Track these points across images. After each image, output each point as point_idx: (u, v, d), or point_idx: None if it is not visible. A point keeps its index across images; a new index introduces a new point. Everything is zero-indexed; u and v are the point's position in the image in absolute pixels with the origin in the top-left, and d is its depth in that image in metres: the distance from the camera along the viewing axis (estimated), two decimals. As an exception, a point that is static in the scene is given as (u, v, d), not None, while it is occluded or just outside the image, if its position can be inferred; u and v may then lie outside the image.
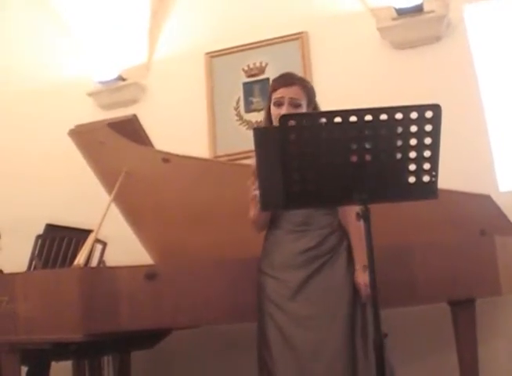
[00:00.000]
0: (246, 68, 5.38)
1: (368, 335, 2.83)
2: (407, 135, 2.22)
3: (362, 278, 2.87)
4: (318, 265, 2.94)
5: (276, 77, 3.15)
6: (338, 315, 2.88)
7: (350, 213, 2.86)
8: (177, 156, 3.90)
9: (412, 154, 2.24)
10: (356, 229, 2.88)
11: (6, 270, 4.21)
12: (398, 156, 2.25)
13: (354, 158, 2.26)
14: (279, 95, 3.02)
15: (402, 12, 4.88)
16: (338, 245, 3.00)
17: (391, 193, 2.34)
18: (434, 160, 2.25)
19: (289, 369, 2.84)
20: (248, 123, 5.28)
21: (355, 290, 2.93)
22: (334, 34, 5.14)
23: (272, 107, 3.04)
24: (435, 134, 2.22)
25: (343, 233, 3.05)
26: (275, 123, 2.99)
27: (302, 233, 2.99)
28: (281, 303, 2.93)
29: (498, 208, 3.77)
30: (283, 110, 2.96)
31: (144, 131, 4.00)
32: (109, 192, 4.00)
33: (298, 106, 3.00)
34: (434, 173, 2.26)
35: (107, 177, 4.06)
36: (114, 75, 5.63)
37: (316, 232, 2.99)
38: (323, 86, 4.78)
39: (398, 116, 2.20)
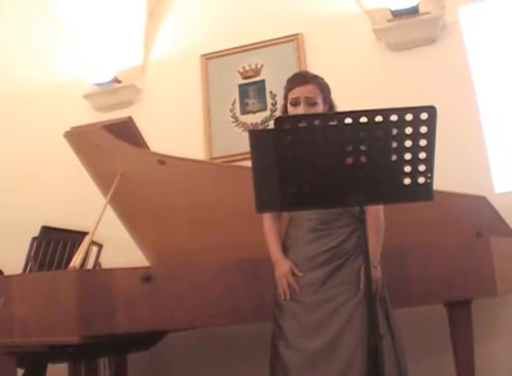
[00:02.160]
0: (241, 70, 5.38)
1: (392, 329, 2.93)
2: (402, 136, 2.22)
3: (372, 272, 2.87)
4: (339, 262, 2.93)
5: (291, 77, 3.16)
6: (357, 311, 2.88)
7: (370, 207, 2.90)
8: (172, 158, 3.89)
9: (408, 156, 2.25)
10: (374, 224, 2.92)
11: (5, 272, 4.21)
12: (394, 158, 2.26)
13: (349, 160, 2.26)
14: (294, 95, 3.04)
15: (397, 14, 4.89)
16: (360, 244, 3.00)
17: (387, 194, 2.35)
18: (429, 161, 2.25)
19: (304, 363, 2.85)
20: (244, 125, 5.27)
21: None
22: (330, 36, 5.15)
23: (289, 107, 3.06)
24: (430, 135, 2.22)
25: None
26: None
27: (324, 231, 2.99)
28: (301, 298, 2.94)
29: (494, 210, 3.78)
30: (300, 110, 2.99)
31: (140, 133, 4.00)
32: (105, 194, 3.99)
33: (314, 104, 3.01)
34: (429, 175, 2.26)
35: (103, 179, 4.05)
36: (110, 77, 5.63)
37: (339, 230, 2.98)
38: (319, 88, 4.80)
39: (394, 118, 2.21)
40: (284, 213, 3.14)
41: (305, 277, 2.96)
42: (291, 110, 3.04)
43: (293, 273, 2.98)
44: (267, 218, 3.14)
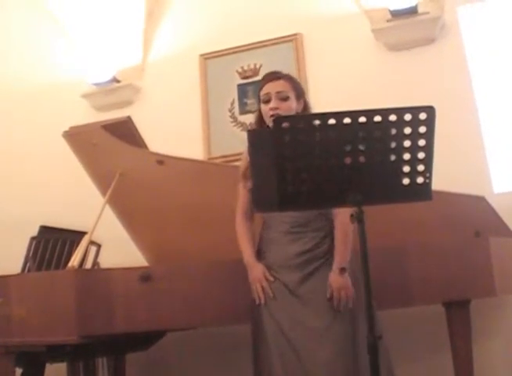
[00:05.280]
0: (240, 70, 5.38)
1: (357, 341, 2.82)
2: (401, 136, 2.22)
3: (336, 281, 2.86)
4: (313, 267, 2.91)
5: (263, 76, 3.14)
6: (335, 320, 2.86)
7: (339, 213, 2.88)
8: (171, 158, 3.90)
9: (406, 156, 2.24)
10: (341, 230, 2.91)
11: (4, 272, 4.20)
12: (392, 157, 2.25)
13: (348, 160, 2.26)
14: (265, 92, 3.00)
15: (396, 14, 4.88)
16: (334, 248, 2.96)
17: (385, 194, 2.34)
18: (428, 161, 2.24)
19: (289, 363, 2.81)
20: (242, 125, 5.27)
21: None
22: (329, 36, 5.15)
23: (262, 105, 3.02)
24: (429, 136, 2.21)
25: None
26: (266, 119, 2.98)
27: (298, 234, 2.96)
28: (279, 300, 2.92)
29: (492, 210, 3.77)
30: (271, 104, 2.95)
31: (138, 132, 4.00)
32: (104, 194, 3.99)
33: (286, 98, 2.97)
34: (428, 175, 2.26)
35: (101, 179, 4.05)
36: (109, 77, 5.62)
37: (313, 234, 2.95)
38: (318, 88, 4.83)
39: (392, 118, 2.20)
40: (258, 215, 3.11)
41: (282, 278, 2.93)
42: (263, 108, 2.99)
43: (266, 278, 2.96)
44: (238, 215, 3.13)
